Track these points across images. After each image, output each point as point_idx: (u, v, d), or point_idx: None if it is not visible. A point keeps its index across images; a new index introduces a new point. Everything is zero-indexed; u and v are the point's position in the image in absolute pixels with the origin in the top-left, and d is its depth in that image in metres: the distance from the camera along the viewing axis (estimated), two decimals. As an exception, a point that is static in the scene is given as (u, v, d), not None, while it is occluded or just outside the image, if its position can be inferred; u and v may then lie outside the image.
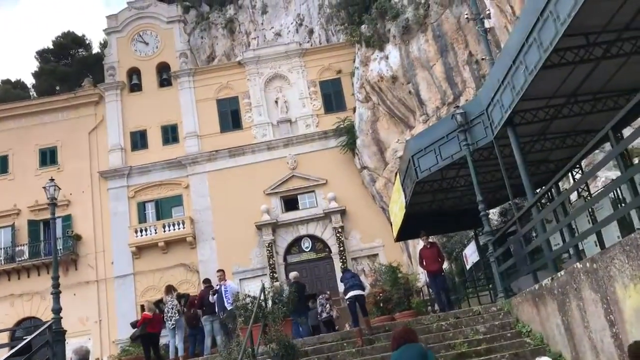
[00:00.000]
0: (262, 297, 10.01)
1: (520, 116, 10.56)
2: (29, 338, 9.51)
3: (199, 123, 32.65)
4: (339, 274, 29.87)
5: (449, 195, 15.75)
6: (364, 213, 30.29)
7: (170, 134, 32.67)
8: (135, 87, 34.01)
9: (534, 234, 12.01)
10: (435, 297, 14.37)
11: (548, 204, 10.96)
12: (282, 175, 31.28)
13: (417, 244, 27.32)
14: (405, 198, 14.07)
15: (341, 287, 12.52)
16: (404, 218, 14.92)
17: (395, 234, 16.91)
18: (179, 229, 30.22)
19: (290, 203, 31.38)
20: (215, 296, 12.17)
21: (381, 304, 15.30)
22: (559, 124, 11.48)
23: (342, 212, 30.28)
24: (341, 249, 29.78)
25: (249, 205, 30.30)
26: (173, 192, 31.74)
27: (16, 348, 9.17)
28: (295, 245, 30.93)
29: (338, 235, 29.99)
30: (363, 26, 29.32)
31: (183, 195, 31.65)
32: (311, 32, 41.32)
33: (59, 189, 12.54)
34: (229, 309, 11.70)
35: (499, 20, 22.93)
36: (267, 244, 30.02)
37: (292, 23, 44.08)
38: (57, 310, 10.75)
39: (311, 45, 36.32)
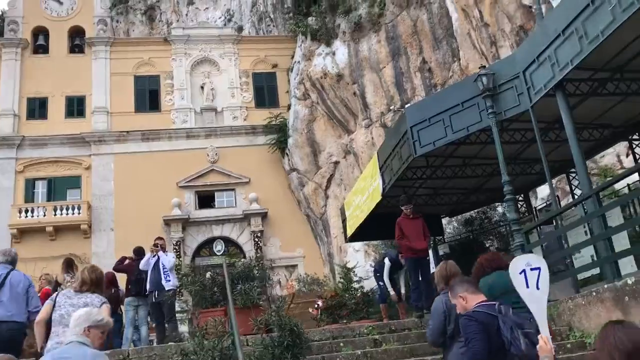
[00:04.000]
0: (225, 275, 7.23)
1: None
2: None
3: (111, 98, 28.83)
4: (251, 283, 27.03)
5: (420, 191, 13.70)
6: (287, 219, 27.75)
7: (75, 106, 28.55)
8: (41, 49, 29.62)
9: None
10: (413, 289, 10.20)
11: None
12: (200, 168, 28.13)
13: (345, 256, 25.18)
14: (384, 183, 11.80)
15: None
16: (372, 209, 12.61)
17: (350, 231, 14.54)
18: (73, 213, 26.10)
19: (206, 200, 28.24)
20: (149, 271, 9.11)
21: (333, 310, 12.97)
22: (589, 106, 9.75)
23: (263, 216, 27.58)
24: (258, 255, 26.91)
25: (159, 196, 26.81)
26: (71, 172, 27.54)
27: None
28: (206, 246, 27.75)
29: (256, 240, 27.20)
30: (310, 18, 27.23)
31: (82, 176, 27.53)
32: (240, 29, 38.77)
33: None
34: (168, 287, 8.73)
35: (463, 26, 21.60)
36: (175, 242, 26.58)
37: (220, 18, 41.12)
38: None
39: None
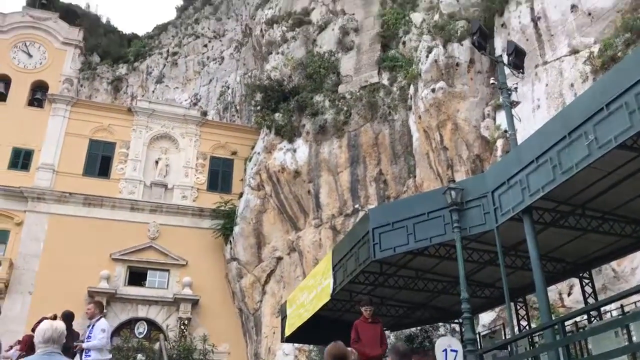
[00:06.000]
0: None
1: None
2: None
3: (60, 157, 27.95)
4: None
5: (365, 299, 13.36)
6: (218, 310, 26.62)
7: (21, 159, 27.49)
8: (-1, 96, 28.91)
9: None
10: None
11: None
12: (138, 243, 27.04)
13: (273, 358, 24.06)
14: (335, 284, 11.47)
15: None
16: (318, 309, 12.16)
17: (289, 330, 13.91)
18: (-9, 269, 24.32)
19: (137, 277, 26.94)
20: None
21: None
22: (548, 237, 9.92)
23: (194, 303, 26.40)
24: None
25: (89, 265, 25.45)
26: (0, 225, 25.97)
27: None
28: (127, 326, 26.05)
29: (182, 327, 25.78)
30: (277, 114, 27.71)
31: (11, 232, 25.96)
32: (205, 114, 39.28)
33: None
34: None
35: (422, 146, 22.36)
36: (95, 316, 24.84)
37: (186, 100, 41.70)
38: None
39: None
